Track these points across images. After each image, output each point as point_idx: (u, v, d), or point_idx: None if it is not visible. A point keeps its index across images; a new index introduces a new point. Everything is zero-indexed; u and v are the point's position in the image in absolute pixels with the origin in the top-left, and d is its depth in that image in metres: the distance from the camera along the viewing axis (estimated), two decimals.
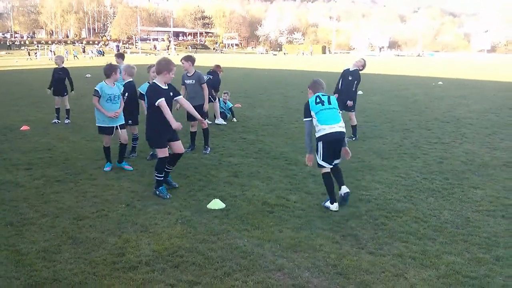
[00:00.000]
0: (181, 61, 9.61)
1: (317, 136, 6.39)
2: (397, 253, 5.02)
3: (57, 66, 13.60)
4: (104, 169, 8.24)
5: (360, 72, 11.00)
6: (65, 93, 13.47)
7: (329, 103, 6.57)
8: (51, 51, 70.67)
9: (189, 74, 9.62)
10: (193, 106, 9.39)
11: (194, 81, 9.56)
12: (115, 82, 8.21)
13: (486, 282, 4.42)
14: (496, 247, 5.19)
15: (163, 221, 5.88)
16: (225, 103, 13.86)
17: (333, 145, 6.35)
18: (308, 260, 4.84)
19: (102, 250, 5.06)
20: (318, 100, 6.57)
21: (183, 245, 5.17)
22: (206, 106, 9.60)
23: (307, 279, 4.46)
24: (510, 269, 4.68)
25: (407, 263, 4.79)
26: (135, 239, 5.34)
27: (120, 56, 14.34)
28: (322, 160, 6.38)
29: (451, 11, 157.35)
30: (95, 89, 8.03)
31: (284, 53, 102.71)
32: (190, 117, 9.58)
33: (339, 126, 6.36)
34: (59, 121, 13.15)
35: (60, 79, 13.40)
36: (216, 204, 6.41)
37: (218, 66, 13.54)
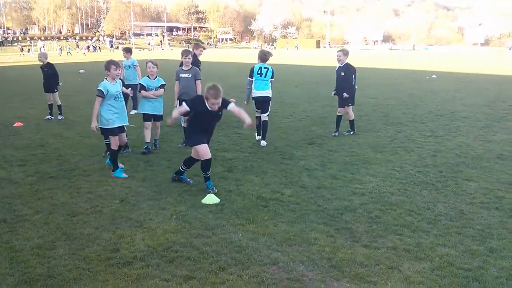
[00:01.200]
0: (186, 57, 9.45)
1: (252, 96, 9.80)
2: (392, 246, 5.04)
3: (42, 63, 13.34)
4: (120, 176, 7.53)
5: (350, 63, 10.78)
6: (55, 89, 13.22)
7: (265, 76, 9.70)
8: (43, 47, 70.34)
9: (185, 68, 9.50)
10: (185, 101, 9.37)
11: (190, 75, 9.44)
12: (115, 79, 7.72)
13: (480, 273, 4.44)
14: (490, 239, 5.22)
15: (158, 217, 5.87)
16: None
17: (259, 103, 9.82)
18: (302, 254, 4.85)
19: (97, 246, 5.04)
20: (260, 71, 9.72)
21: (177, 240, 5.17)
22: None
23: (301, 273, 4.47)
24: (503, 260, 4.71)
25: (402, 256, 4.81)
26: (129, 234, 5.33)
27: (128, 50, 14.23)
28: (255, 109, 9.90)
29: (445, 5, 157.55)
30: (99, 89, 7.43)
31: (296, 47, 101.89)
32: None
33: (266, 92, 9.75)
34: (52, 117, 13.01)
35: (48, 76, 13.17)
36: (211, 199, 6.41)
37: (197, 45, 11.97)
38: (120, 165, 7.89)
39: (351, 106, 10.81)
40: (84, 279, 4.35)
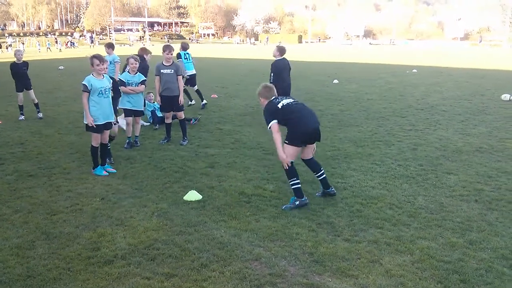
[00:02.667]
0: (169, 53, 9.28)
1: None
2: (373, 239, 5.08)
3: (17, 61, 12.55)
4: (101, 174, 7.48)
5: (277, 60, 11.59)
6: (31, 87, 12.68)
7: (189, 59, 13.48)
8: (22, 43, 69.14)
9: (166, 64, 9.33)
10: (169, 97, 9.33)
11: (172, 70, 9.29)
12: (103, 74, 7.43)
13: (460, 266, 4.50)
14: (469, 231, 5.29)
15: (139, 214, 5.82)
16: (152, 103, 11.77)
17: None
18: (284, 249, 4.86)
19: (77, 245, 4.99)
20: (185, 56, 13.54)
21: (159, 238, 5.14)
22: (182, 98, 9.45)
23: (284, 268, 4.48)
24: (483, 252, 4.78)
25: (382, 249, 4.85)
26: (110, 233, 5.28)
27: (110, 46, 14.04)
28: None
29: (425, 0, 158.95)
30: (83, 84, 7.23)
31: (279, 42, 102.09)
32: (166, 108, 9.50)
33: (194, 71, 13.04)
34: (24, 117, 12.47)
35: (24, 74, 12.57)
36: (193, 195, 6.38)
37: (143, 49, 11.94)
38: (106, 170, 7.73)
39: None
40: (64, 278, 4.30)
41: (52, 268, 4.48)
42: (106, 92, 7.42)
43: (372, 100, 15.40)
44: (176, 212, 5.87)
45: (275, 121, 6.05)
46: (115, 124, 8.05)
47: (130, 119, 9.16)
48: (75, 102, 15.22)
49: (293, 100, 6.28)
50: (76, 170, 7.77)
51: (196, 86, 14.08)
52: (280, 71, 11.47)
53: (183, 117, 9.55)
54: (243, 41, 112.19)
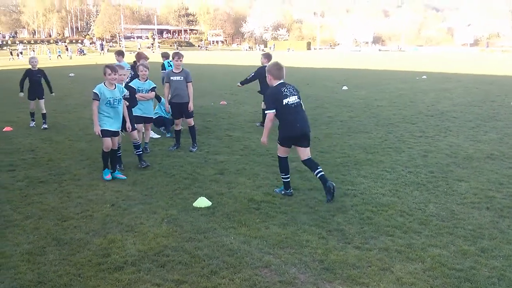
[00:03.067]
0: (178, 59, 9.33)
1: None
2: (383, 247, 5.04)
3: (32, 68, 12.43)
4: (104, 177, 7.56)
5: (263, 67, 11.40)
6: (43, 96, 12.58)
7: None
8: (33, 51, 69.76)
9: (176, 71, 9.39)
10: (179, 104, 9.36)
11: (182, 77, 9.33)
12: (115, 84, 7.50)
13: (471, 274, 4.45)
14: (481, 239, 5.24)
15: (149, 221, 5.83)
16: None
17: None
18: (294, 256, 4.84)
19: (87, 251, 5.00)
20: (169, 64, 12.96)
21: (169, 244, 5.14)
22: (191, 105, 9.47)
23: (294, 275, 4.46)
24: (495, 260, 4.73)
25: (393, 257, 4.81)
26: (120, 239, 5.29)
27: (120, 53, 14.15)
28: None
29: (434, 6, 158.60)
30: (94, 92, 7.29)
31: (288, 49, 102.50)
32: (176, 115, 9.53)
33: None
34: (35, 123, 12.48)
35: (38, 82, 12.45)
36: (202, 202, 6.38)
37: (139, 54, 11.51)
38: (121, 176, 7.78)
39: None
40: (75, 284, 4.31)
41: (62, 274, 4.49)
42: (116, 103, 7.45)
43: (381, 107, 15.36)
44: (185, 219, 5.87)
45: (273, 111, 6.49)
46: (126, 131, 8.05)
47: (141, 125, 9.19)
48: (85, 109, 15.32)
49: (295, 101, 6.58)
50: (86, 176, 7.81)
51: None
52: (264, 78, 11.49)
53: (193, 124, 9.57)
54: (251, 48, 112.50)
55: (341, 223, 5.71)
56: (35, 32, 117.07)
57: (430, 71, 31.39)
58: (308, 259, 4.78)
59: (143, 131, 9.38)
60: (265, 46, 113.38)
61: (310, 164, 6.68)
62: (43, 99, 12.53)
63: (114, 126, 7.57)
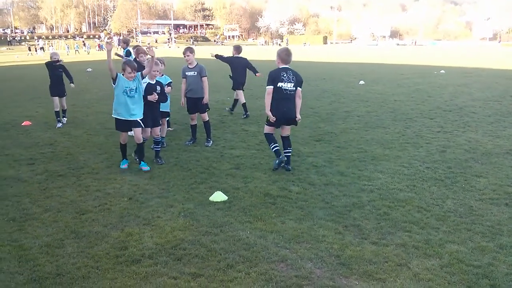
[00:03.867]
0: (186, 54, 9.36)
1: None
2: (400, 242, 5.01)
3: (54, 63, 11.96)
4: (121, 166, 7.94)
5: (233, 57, 13.35)
6: (65, 93, 12.23)
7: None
8: (51, 46, 70.44)
9: (190, 66, 9.44)
10: (193, 98, 9.41)
11: (196, 73, 9.38)
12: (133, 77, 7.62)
13: (489, 270, 4.40)
14: (499, 235, 5.17)
15: (166, 214, 5.87)
16: None
17: None
18: (310, 251, 4.84)
19: (105, 244, 5.06)
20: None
21: (186, 238, 5.17)
22: (207, 98, 9.50)
23: (310, 270, 4.46)
24: None
25: (410, 253, 4.78)
26: (137, 232, 5.34)
27: (125, 41, 14.21)
28: None
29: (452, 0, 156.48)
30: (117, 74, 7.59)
31: (304, 44, 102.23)
32: (191, 110, 9.57)
33: None
34: (62, 124, 11.91)
35: (60, 78, 12.08)
36: (219, 196, 6.40)
37: (137, 49, 11.26)
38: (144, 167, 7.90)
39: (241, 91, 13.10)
40: (93, 277, 4.36)
41: (81, 266, 4.55)
42: (133, 93, 7.58)
43: (399, 101, 15.22)
44: (202, 213, 5.90)
45: (271, 87, 7.50)
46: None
47: (165, 120, 9.45)
48: (103, 104, 15.47)
49: (288, 88, 7.48)
50: (104, 170, 7.89)
51: None
52: (236, 67, 13.13)
53: (207, 118, 9.60)
54: (267, 42, 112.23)
55: (357, 218, 5.68)
56: (53, 27, 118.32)
57: (448, 66, 31.02)
58: (324, 254, 4.77)
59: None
60: (282, 41, 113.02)
61: (285, 142, 7.79)
62: (65, 97, 12.22)
63: (128, 115, 7.64)
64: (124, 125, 7.80)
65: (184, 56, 9.39)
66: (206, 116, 9.56)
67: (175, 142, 9.88)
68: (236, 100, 13.56)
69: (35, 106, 15.08)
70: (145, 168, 7.83)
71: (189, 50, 9.47)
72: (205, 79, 9.43)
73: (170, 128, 10.90)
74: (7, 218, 5.78)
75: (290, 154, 7.79)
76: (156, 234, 5.29)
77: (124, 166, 7.96)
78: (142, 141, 7.94)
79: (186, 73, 9.44)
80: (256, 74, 13.39)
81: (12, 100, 16.95)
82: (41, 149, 9.41)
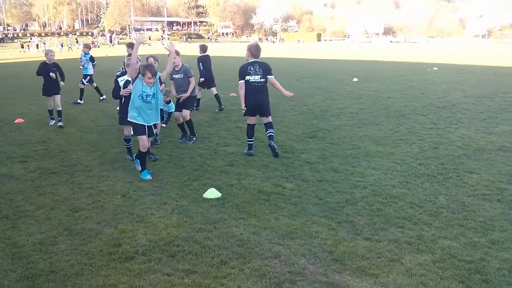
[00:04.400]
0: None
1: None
2: (393, 238, 5.04)
3: (48, 62, 11.45)
4: (144, 178, 7.17)
5: (201, 56, 13.69)
6: (59, 91, 11.64)
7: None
8: (44, 43, 70.04)
9: (177, 69, 9.62)
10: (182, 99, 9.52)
11: (182, 75, 9.62)
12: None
13: (481, 266, 4.44)
14: (491, 231, 5.21)
15: (159, 211, 5.87)
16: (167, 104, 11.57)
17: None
18: (304, 247, 4.85)
19: (98, 241, 5.05)
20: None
21: (179, 235, 5.17)
22: (186, 96, 9.51)
23: (303, 266, 4.47)
24: (505, 252, 4.70)
25: (403, 248, 4.81)
26: (131, 229, 5.33)
27: (130, 45, 14.25)
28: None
29: None
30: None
31: (298, 41, 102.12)
32: (177, 109, 9.65)
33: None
34: (55, 122, 11.57)
35: (53, 77, 11.52)
36: (212, 193, 6.41)
37: (129, 44, 10.98)
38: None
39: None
40: (86, 274, 4.36)
41: (74, 263, 4.55)
42: (148, 98, 7.08)
43: (392, 99, 15.27)
44: (196, 210, 5.91)
45: (242, 81, 8.23)
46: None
47: None
48: (96, 101, 15.42)
49: (256, 80, 8.19)
50: (97, 167, 7.87)
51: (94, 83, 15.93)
52: (207, 65, 13.59)
53: (188, 118, 9.55)
54: (261, 39, 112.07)
55: (350, 214, 5.71)
56: (45, 24, 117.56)
57: (442, 63, 31.13)
58: (318, 250, 4.79)
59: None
60: (276, 38, 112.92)
61: (267, 125, 8.49)
62: (59, 95, 11.61)
63: (142, 120, 7.15)
64: (143, 129, 7.17)
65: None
66: (188, 115, 9.52)
67: (168, 139, 9.87)
68: (217, 95, 13.71)
69: (28, 104, 15.00)
70: (146, 177, 7.23)
71: (176, 53, 9.30)
72: (191, 79, 9.61)
73: (163, 125, 10.91)
74: (0, 216, 5.77)
75: (273, 134, 8.47)
76: (149, 231, 5.29)
77: (147, 177, 7.18)
78: (146, 150, 7.32)
79: (174, 76, 9.66)
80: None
81: (5, 97, 16.86)
82: (34, 146, 9.37)
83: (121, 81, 8.05)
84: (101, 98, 15.68)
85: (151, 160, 8.17)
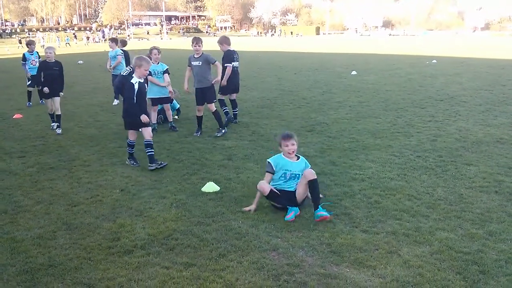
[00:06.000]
0: (196, 45, 9.33)
1: None
2: (391, 230, 5.05)
3: (48, 60, 10.20)
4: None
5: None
6: (59, 93, 10.40)
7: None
8: (42, 38, 69.82)
9: (196, 56, 9.37)
10: (200, 89, 9.36)
11: (200, 62, 9.33)
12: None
13: (479, 257, 4.46)
14: (489, 222, 5.23)
15: (158, 205, 5.89)
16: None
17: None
18: (302, 240, 4.87)
19: (97, 235, 5.07)
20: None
21: (178, 228, 5.19)
22: (219, 80, 9.73)
23: (301, 258, 4.49)
24: (503, 243, 4.72)
25: (401, 240, 4.83)
26: (130, 223, 5.35)
27: (114, 40, 14.27)
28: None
29: None
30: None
31: (297, 35, 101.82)
32: (198, 101, 9.50)
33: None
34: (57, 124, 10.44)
35: (54, 76, 10.16)
36: (211, 187, 6.42)
37: (123, 42, 11.07)
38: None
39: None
40: (85, 268, 4.38)
41: (73, 257, 4.56)
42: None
43: (391, 91, 15.26)
44: (194, 203, 5.92)
45: (231, 64, 10.00)
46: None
47: (156, 107, 10.01)
48: (94, 96, 15.41)
49: (237, 65, 10.29)
50: (96, 162, 7.87)
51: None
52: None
53: (214, 109, 9.56)
54: (260, 33, 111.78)
55: (348, 207, 5.72)
56: (43, 20, 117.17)
57: (440, 56, 31.08)
58: (316, 243, 4.81)
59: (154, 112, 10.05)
60: (274, 31, 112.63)
61: (233, 103, 10.84)
62: (59, 97, 10.40)
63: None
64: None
65: (193, 46, 9.37)
66: (213, 107, 9.52)
67: (167, 133, 9.88)
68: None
69: (26, 99, 14.96)
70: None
71: (198, 40, 9.46)
72: (217, 63, 9.51)
73: (176, 117, 11.14)
74: None
75: (237, 112, 10.79)
76: (148, 225, 5.31)
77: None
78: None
79: (192, 63, 9.45)
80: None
81: (3, 93, 16.85)
82: (32, 141, 9.37)
83: (135, 83, 7.38)
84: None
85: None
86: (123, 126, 7.96)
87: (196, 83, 9.42)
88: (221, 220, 5.41)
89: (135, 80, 7.31)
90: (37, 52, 14.37)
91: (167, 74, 9.93)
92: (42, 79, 10.20)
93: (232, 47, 10.29)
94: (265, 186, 5.61)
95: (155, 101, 9.98)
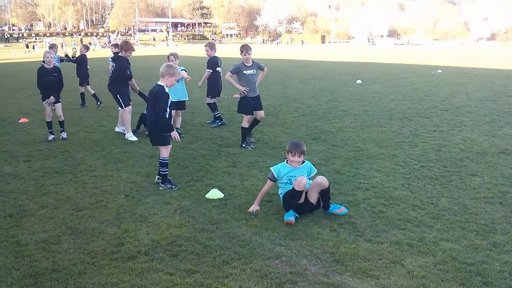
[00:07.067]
0: (246, 53, 8.96)
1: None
2: (395, 240, 5.05)
3: (46, 65, 9.96)
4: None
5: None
6: (60, 99, 10.23)
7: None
8: (48, 43, 70.22)
9: (247, 64, 9.06)
10: (252, 97, 9.18)
11: (254, 70, 9.11)
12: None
13: (483, 268, 4.44)
14: (493, 233, 5.22)
15: (162, 211, 5.90)
16: None
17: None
18: (305, 248, 4.87)
19: (101, 240, 5.09)
20: None
21: (182, 235, 5.20)
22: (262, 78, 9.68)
23: (304, 267, 4.49)
24: (507, 255, 4.71)
25: (405, 250, 4.82)
26: (134, 229, 5.36)
27: (116, 46, 14.33)
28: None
29: None
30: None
31: (303, 42, 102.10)
32: (248, 111, 9.26)
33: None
34: (54, 137, 10.06)
35: (53, 83, 9.96)
36: (215, 194, 6.43)
37: (124, 44, 10.39)
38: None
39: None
40: (89, 273, 4.39)
41: (77, 262, 4.58)
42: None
43: (396, 101, 15.26)
44: (198, 210, 5.93)
45: (211, 70, 11.32)
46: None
47: (173, 112, 9.65)
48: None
49: (221, 70, 11.36)
50: (101, 167, 7.90)
51: None
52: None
53: (264, 115, 9.49)
54: (265, 41, 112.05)
55: (352, 216, 5.72)
56: (50, 25, 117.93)
57: (446, 65, 31.07)
58: (319, 251, 4.80)
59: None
60: (281, 41, 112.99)
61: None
62: (60, 103, 10.21)
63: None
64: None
65: (243, 55, 8.97)
66: (263, 113, 9.45)
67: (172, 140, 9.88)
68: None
69: (32, 103, 15.07)
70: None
71: (247, 48, 9.08)
72: (265, 69, 9.49)
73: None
74: (4, 214, 5.81)
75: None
76: (152, 231, 5.32)
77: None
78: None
79: (245, 72, 9.03)
80: None
81: (10, 97, 16.95)
82: (38, 146, 9.42)
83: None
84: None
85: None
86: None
87: (250, 92, 9.09)
88: (225, 227, 5.41)
89: (167, 89, 6.71)
90: (58, 56, 14.60)
91: (185, 72, 10.25)
92: (40, 86, 10.10)
93: (217, 54, 11.47)
94: (302, 179, 5.60)
95: (172, 106, 9.66)
